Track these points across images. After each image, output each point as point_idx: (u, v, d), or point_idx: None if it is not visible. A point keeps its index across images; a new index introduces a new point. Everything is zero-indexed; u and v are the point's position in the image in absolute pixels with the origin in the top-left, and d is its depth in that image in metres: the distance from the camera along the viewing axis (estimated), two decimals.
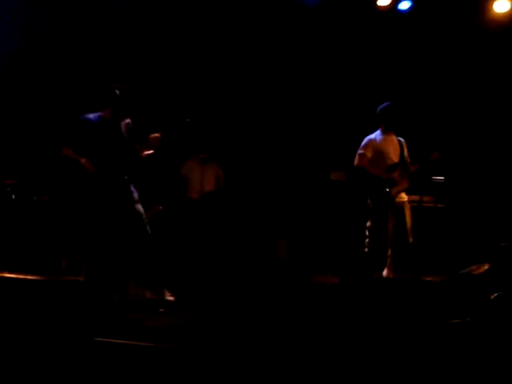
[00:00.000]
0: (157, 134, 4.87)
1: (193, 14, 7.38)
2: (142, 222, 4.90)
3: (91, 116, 4.94)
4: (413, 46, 7.46)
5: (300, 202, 7.46)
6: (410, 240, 5.55)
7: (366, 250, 5.56)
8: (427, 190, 6.43)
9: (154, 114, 6.84)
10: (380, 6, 7.12)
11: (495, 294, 4.01)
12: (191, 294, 5.46)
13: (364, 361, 3.45)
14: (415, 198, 5.93)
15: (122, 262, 4.89)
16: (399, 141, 5.73)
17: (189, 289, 5.60)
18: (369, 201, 5.64)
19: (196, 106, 7.35)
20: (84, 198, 5.01)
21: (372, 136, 5.72)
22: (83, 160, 4.82)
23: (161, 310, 4.77)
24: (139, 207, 4.95)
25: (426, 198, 6.43)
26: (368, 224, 5.60)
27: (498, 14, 6.94)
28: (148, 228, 4.93)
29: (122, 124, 4.98)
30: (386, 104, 5.70)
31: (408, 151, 5.77)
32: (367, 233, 5.58)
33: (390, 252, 5.57)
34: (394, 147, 5.69)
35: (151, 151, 4.94)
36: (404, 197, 5.65)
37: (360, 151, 5.66)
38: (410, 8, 7.17)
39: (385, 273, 5.52)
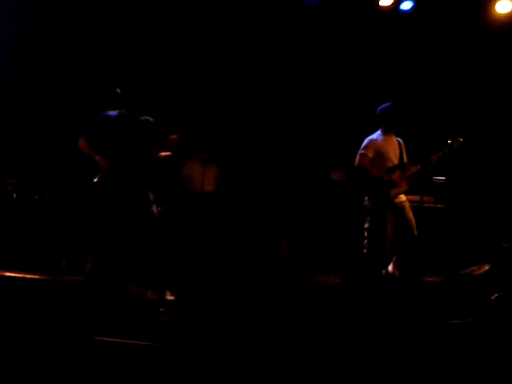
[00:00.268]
0: (175, 136, 4.89)
1: (193, 14, 7.38)
2: (154, 222, 4.92)
3: (111, 113, 4.94)
4: (415, 46, 7.45)
5: (301, 202, 7.46)
6: (415, 233, 5.54)
7: (365, 250, 5.56)
8: (428, 191, 6.42)
9: (153, 114, 6.84)
10: (382, 6, 7.11)
11: (496, 295, 4.01)
12: (192, 293, 5.46)
13: (365, 361, 3.44)
14: (416, 198, 5.93)
15: (123, 262, 4.89)
16: (398, 142, 5.73)
17: (189, 288, 5.59)
18: (366, 202, 5.63)
19: (196, 106, 7.36)
20: (94, 195, 5.00)
21: (373, 136, 5.71)
22: (98, 157, 4.83)
23: (161, 309, 4.77)
24: (154, 208, 4.95)
25: (426, 199, 6.41)
26: (366, 225, 5.59)
27: (500, 14, 6.93)
28: (158, 229, 4.95)
29: (141, 122, 4.97)
30: (386, 105, 5.69)
31: (406, 152, 5.77)
32: (365, 234, 5.58)
33: (392, 252, 5.56)
34: (393, 148, 5.69)
35: (168, 153, 4.95)
36: (402, 197, 5.65)
37: (361, 151, 5.66)
38: (412, 8, 7.17)
39: (390, 268, 5.52)
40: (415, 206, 5.82)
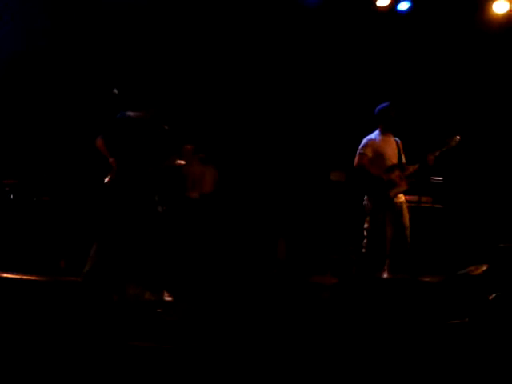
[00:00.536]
0: (190, 146, 4.99)
1: (193, 15, 7.39)
2: (158, 224, 4.94)
3: (130, 114, 4.96)
4: (412, 46, 7.46)
5: (299, 203, 7.47)
6: (408, 239, 5.55)
7: (363, 250, 5.56)
8: (425, 191, 6.43)
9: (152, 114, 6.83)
10: (379, 7, 7.12)
11: (493, 295, 4.01)
12: (190, 294, 5.46)
13: (363, 361, 3.45)
14: (413, 198, 5.93)
15: (122, 262, 4.90)
16: (396, 141, 5.73)
17: (187, 289, 5.59)
18: (365, 202, 5.63)
19: (195, 106, 7.36)
20: (104, 196, 5.02)
21: (371, 136, 5.71)
22: (111, 159, 4.86)
23: (159, 310, 4.77)
24: (159, 210, 4.98)
25: (424, 199, 6.43)
26: (365, 225, 5.59)
27: (497, 14, 6.94)
28: (162, 231, 4.98)
29: (156, 127, 5.01)
30: (384, 104, 5.69)
31: (403, 152, 5.77)
32: (365, 234, 5.58)
33: (388, 253, 5.56)
34: (392, 148, 5.69)
35: (183, 162, 5.06)
36: (401, 197, 5.65)
37: (360, 151, 5.66)
38: (410, 8, 7.18)
39: (384, 275, 5.52)
40: (413, 206, 5.83)
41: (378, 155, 5.61)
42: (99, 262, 4.86)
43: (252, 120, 7.69)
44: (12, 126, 7.20)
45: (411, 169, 5.59)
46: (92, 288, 4.77)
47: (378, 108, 5.72)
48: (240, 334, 4.10)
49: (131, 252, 4.90)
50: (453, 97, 7.42)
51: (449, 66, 7.41)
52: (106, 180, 4.93)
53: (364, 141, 5.70)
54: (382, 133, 5.69)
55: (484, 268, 4.44)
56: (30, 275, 5.42)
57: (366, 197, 5.65)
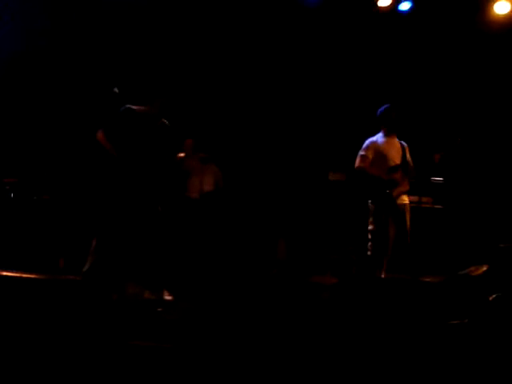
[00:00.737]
0: (190, 140, 4.95)
1: (193, 15, 7.39)
2: (158, 222, 4.93)
3: (133, 108, 4.94)
4: (413, 46, 7.46)
5: (299, 203, 7.46)
6: (408, 242, 5.54)
7: (369, 253, 5.54)
8: (426, 191, 6.42)
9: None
10: (380, 7, 7.12)
11: (494, 295, 4.00)
12: (190, 293, 5.46)
13: (363, 361, 3.44)
14: (414, 198, 5.93)
15: (121, 261, 4.89)
16: (401, 144, 5.70)
17: (187, 288, 5.59)
18: (369, 203, 5.62)
19: (196, 106, 7.36)
20: (105, 191, 5.00)
21: (374, 138, 5.70)
22: (112, 152, 4.83)
23: (159, 309, 4.77)
24: (159, 208, 4.98)
25: (424, 199, 6.42)
26: (370, 227, 5.58)
27: (498, 15, 6.94)
28: (161, 229, 4.97)
29: (159, 123, 5.00)
30: (385, 106, 5.67)
31: (411, 156, 5.74)
32: (370, 236, 5.56)
33: (389, 254, 5.56)
34: (395, 150, 5.65)
35: (183, 154, 5.01)
36: (405, 199, 5.63)
37: (361, 153, 5.64)
38: (411, 9, 7.18)
39: (382, 275, 5.52)
40: (414, 207, 5.82)
41: (380, 156, 5.60)
42: (99, 260, 4.85)
43: (252, 120, 7.69)
44: (12, 124, 7.20)
45: (410, 179, 5.58)
46: (91, 287, 4.76)
47: (379, 110, 5.71)
48: (240, 333, 4.10)
49: (131, 250, 4.88)
50: (454, 97, 7.42)
51: (450, 67, 7.41)
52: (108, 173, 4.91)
53: (366, 142, 5.68)
54: (386, 135, 5.67)
55: (484, 268, 4.43)
56: (30, 273, 5.43)
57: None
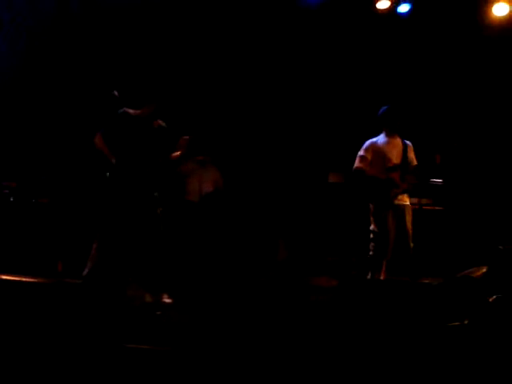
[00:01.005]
0: (186, 137, 4.94)
1: (194, 15, 7.40)
2: (158, 224, 4.93)
3: (130, 111, 4.95)
4: (412, 48, 7.46)
5: (298, 204, 7.46)
6: (411, 245, 5.52)
7: (371, 253, 5.53)
8: (426, 193, 6.41)
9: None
10: (379, 9, 7.12)
11: (494, 297, 3.99)
12: (189, 296, 5.45)
13: (362, 363, 3.43)
14: (414, 200, 5.91)
15: (123, 263, 4.89)
16: (404, 144, 5.68)
17: (187, 291, 5.58)
18: (370, 205, 5.62)
19: (195, 107, 7.36)
20: (103, 195, 5.00)
21: (374, 139, 5.70)
22: (110, 156, 4.83)
23: (158, 312, 4.76)
24: (158, 210, 4.98)
25: (424, 201, 6.41)
26: (371, 227, 5.57)
27: (497, 17, 6.93)
28: (160, 232, 4.96)
29: (156, 125, 5.00)
30: (385, 108, 5.68)
31: (415, 154, 5.72)
32: (371, 236, 5.56)
33: (388, 256, 5.55)
34: (396, 149, 5.64)
35: (179, 152, 5.00)
36: (406, 200, 5.61)
37: (360, 153, 5.64)
38: (409, 11, 7.18)
39: (381, 276, 5.51)
40: (414, 209, 5.81)
41: (379, 157, 5.59)
42: (98, 264, 4.84)
43: (252, 122, 7.69)
44: (11, 128, 7.20)
45: (410, 179, 5.56)
46: (91, 290, 4.76)
47: (379, 112, 5.71)
48: (240, 336, 4.09)
49: (131, 253, 4.88)
50: (453, 99, 7.42)
51: (449, 69, 7.41)
52: (107, 174, 4.91)
53: (365, 143, 5.69)
54: (388, 135, 5.67)
55: (484, 270, 4.42)
56: (28, 277, 5.43)
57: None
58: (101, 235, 4.88)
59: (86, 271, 4.88)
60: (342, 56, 7.58)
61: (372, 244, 5.55)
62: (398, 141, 5.67)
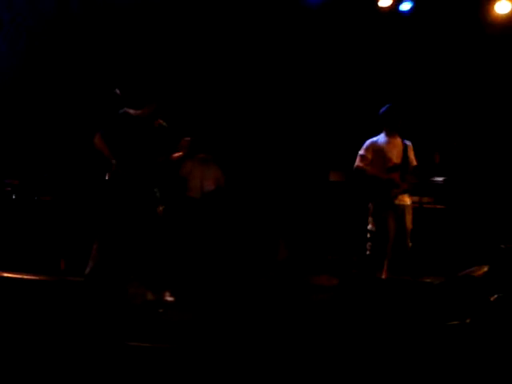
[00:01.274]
0: (187, 139, 4.95)
1: (194, 15, 7.39)
2: (158, 223, 4.94)
3: (131, 111, 4.95)
4: (414, 47, 7.45)
5: (299, 203, 7.46)
6: (409, 244, 5.52)
7: (368, 252, 5.54)
8: (427, 191, 6.42)
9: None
10: (381, 7, 7.11)
11: (495, 296, 4.00)
12: (191, 294, 5.46)
13: (363, 362, 3.44)
14: (415, 199, 5.91)
15: (124, 262, 4.90)
16: (404, 144, 5.68)
17: (188, 289, 5.59)
18: (369, 203, 5.62)
19: (196, 106, 7.36)
20: (103, 194, 5.01)
21: (374, 138, 5.69)
22: (110, 156, 4.83)
23: (160, 310, 4.77)
24: (159, 209, 4.98)
25: (425, 199, 6.41)
26: (369, 226, 5.58)
27: (499, 15, 6.93)
28: (161, 230, 4.97)
29: (156, 125, 5.01)
30: (386, 107, 5.67)
31: (414, 154, 5.72)
32: (368, 235, 5.56)
33: (389, 254, 5.55)
34: (396, 149, 5.64)
35: (180, 153, 5.02)
36: (406, 200, 5.61)
37: (361, 152, 5.64)
38: (412, 9, 7.17)
39: (383, 275, 5.51)
40: (415, 207, 5.81)
41: (380, 156, 5.59)
42: (100, 263, 4.85)
43: (252, 121, 7.69)
44: (13, 126, 7.20)
45: (410, 179, 5.56)
46: (93, 288, 4.77)
47: (380, 111, 5.70)
48: (241, 334, 4.10)
49: (133, 251, 4.89)
50: (455, 97, 7.41)
51: (451, 67, 7.40)
52: (106, 177, 4.92)
53: (366, 143, 5.68)
54: (388, 135, 5.67)
55: (485, 269, 4.42)
56: (31, 275, 5.43)
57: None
58: (101, 235, 4.89)
59: (87, 270, 4.90)
60: (343, 54, 7.57)
61: (369, 243, 5.56)
62: (399, 140, 5.67)
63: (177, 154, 5.03)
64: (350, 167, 5.70)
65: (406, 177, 5.55)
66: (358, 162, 5.61)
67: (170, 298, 4.93)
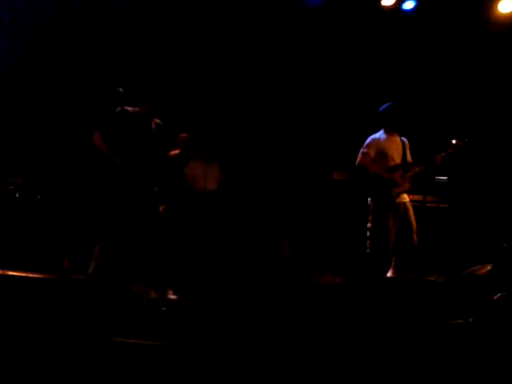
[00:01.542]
0: (185, 135, 4.94)
1: (194, 15, 7.39)
2: (160, 221, 4.95)
3: (128, 109, 4.96)
4: (417, 45, 7.45)
5: (302, 202, 7.45)
6: (415, 239, 5.52)
7: (368, 251, 5.54)
8: (430, 190, 6.41)
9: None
10: (384, 6, 7.11)
11: (498, 295, 3.99)
12: (194, 293, 5.46)
13: (367, 360, 3.44)
14: (418, 197, 5.92)
15: (128, 260, 4.91)
16: (402, 141, 5.70)
17: (192, 288, 5.60)
18: (369, 201, 5.62)
19: (198, 105, 7.36)
20: (103, 193, 5.01)
21: (376, 135, 5.69)
22: (110, 154, 4.83)
23: (163, 308, 4.78)
24: (160, 207, 4.99)
25: (429, 198, 6.41)
26: (369, 225, 5.58)
27: (502, 14, 6.92)
28: (164, 228, 4.98)
29: (153, 124, 5.02)
30: (388, 104, 5.67)
31: (410, 151, 5.74)
32: (368, 234, 5.57)
33: (393, 254, 5.54)
34: (396, 148, 5.66)
35: (178, 151, 5.00)
36: (405, 197, 5.62)
37: (363, 150, 5.64)
38: (415, 8, 7.17)
39: (389, 274, 5.51)
40: (418, 206, 5.81)
41: (382, 155, 5.59)
42: (103, 262, 4.86)
43: (255, 119, 7.69)
44: (16, 124, 7.22)
45: (416, 169, 5.57)
46: (97, 286, 4.77)
47: (381, 108, 5.70)
48: (244, 333, 4.10)
49: (136, 250, 4.90)
50: (459, 96, 7.41)
51: (454, 66, 7.39)
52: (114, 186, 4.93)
53: (368, 140, 5.68)
54: (387, 132, 5.67)
55: (489, 268, 4.42)
56: (35, 273, 5.44)
57: (369, 197, 5.64)
58: (103, 235, 4.90)
59: (90, 270, 4.90)
60: (346, 53, 7.57)
61: (368, 241, 5.56)
62: (397, 138, 5.68)
63: (174, 152, 5.02)
64: (353, 166, 5.70)
65: (407, 175, 5.55)
66: (360, 159, 5.61)
67: (173, 297, 4.94)
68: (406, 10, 7.18)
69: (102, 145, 4.87)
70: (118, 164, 4.83)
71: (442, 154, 5.51)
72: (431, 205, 6.60)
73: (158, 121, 5.08)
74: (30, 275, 5.33)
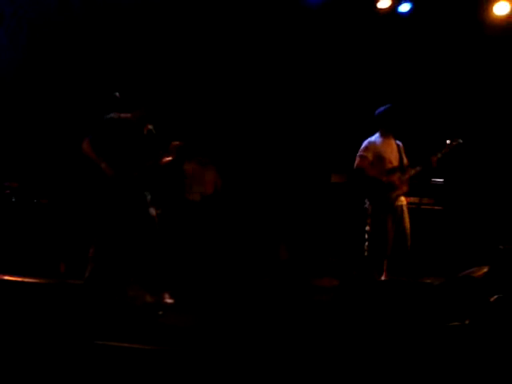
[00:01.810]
0: (177, 142, 4.95)
1: (194, 15, 7.39)
2: (153, 225, 4.94)
3: (118, 115, 4.95)
4: (413, 48, 7.46)
5: (300, 205, 7.46)
6: (409, 243, 5.53)
7: (366, 254, 5.54)
8: (426, 192, 6.42)
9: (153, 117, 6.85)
10: (380, 9, 7.12)
11: (495, 297, 4.00)
12: (191, 296, 5.46)
13: (363, 364, 3.44)
14: (414, 199, 5.92)
15: (123, 264, 4.90)
16: (397, 144, 5.72)
17: (188, 291, 5.59)
18: (366, 204, 5.63)
19: (195, 108, 7.36)
20: (96, 198, 5.01)
21: (372, 139, 5.70)
22: (103, 164, 4.82)
23: (160, 312, 4.77)
24: (152, 211, 4.98)
25: (425, 200, 6.42)
26: (367, 228, 5.58)
27: (497, 16, 6.93)
28: (158, 232, 4.97)
29: (145, 130, 5.02)
30: (384, 107, 5.68)
31: (406, 155, 5.76)
32: (366, 236, 5.57)
33: (388, 256, 5.55)
34: (393, 151, 5.67)
35: (170, 158, 5.01)
36: (403, 200, 5.63)
37: (360, 153, 5.64)
38: (410, 10, 7.18)
39: (382, 277, 5.52)
40: (414, 208, 5.82)
41: (379, 158, 5.60)
42: (98, 267, 4.86)
43: (252, 122, 7.69)
44: (13, 129, 7.21)
45: (413, 171, 5.58)
46: (93, 291, 4.77)
47: (378, 111, 5.70)
48: (242, 336, 4.10)
49: (131, 254, 4.90)
50: (454, 98, 7.42)
51: (450, 68, 7.41)
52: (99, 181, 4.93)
53: (365, 143, 5.69)
54: (383, 135, 5.68)
55: (485, 270, 4.43)
56: (31, 278, 5.43)
57: (366, 199, 5.64)
58: (97, 240, 4.90)
59: (86, 274, 4.90)
60: (342, 56, 7.58)
61: (366, 244, 5.57)
62: (393, 142, 5.69)
63: (166, 159, 5.02)
64: (351, 168, 5.71)
65: (404, 178, 5.57)
66: (358, 162, 5.61)
67: (169, 300, 4.93)
68: (402, 13, 7.19)
69: (91, 152, 4.87)
70: (106, 169, 4.81)
71: (438, 155, 5.52)
72: (427, 207, 6.60)
73: (150, 127, 5.07)
74: (27, 280, 5.33)
